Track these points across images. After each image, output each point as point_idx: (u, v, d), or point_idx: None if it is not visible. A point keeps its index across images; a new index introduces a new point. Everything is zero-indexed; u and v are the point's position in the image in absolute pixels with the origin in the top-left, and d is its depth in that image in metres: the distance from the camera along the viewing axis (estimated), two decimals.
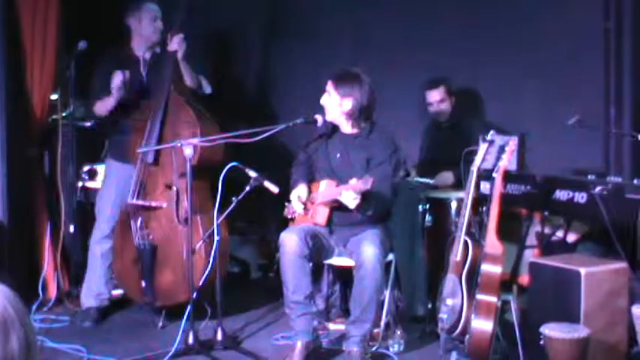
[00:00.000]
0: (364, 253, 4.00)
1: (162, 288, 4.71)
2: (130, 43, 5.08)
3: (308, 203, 4.31)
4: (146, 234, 4.74)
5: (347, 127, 4.30)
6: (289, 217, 4.45)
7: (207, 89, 5.09)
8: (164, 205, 4.74)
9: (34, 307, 4.87)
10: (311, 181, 4.39)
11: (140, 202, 4.79)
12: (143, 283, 4.71)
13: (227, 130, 4.41)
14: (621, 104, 4.86)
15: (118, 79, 4.80)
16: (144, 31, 5.03)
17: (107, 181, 5.06)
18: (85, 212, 5.27)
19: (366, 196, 3.96)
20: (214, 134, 4.55)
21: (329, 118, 4.29)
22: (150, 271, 4.71)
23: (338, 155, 4.31)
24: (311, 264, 4.22)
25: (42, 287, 5.04)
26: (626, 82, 4.84)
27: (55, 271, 5.11)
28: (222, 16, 6.11)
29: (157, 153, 4.75)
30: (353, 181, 3.92)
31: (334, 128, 4.34)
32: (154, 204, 4.77)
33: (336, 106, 4.23)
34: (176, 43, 4.81)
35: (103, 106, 4.93)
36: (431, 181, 5.08)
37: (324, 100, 4.26)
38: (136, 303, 4.96)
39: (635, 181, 3.94)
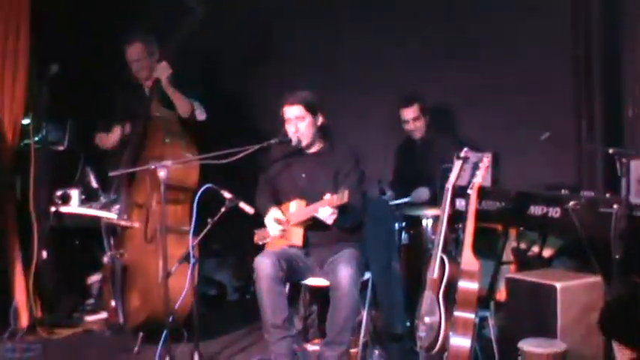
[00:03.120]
0: (340, 274, 3.99)
1: (130, 308, 4.72)
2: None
3: (285, 223, 4.29)
4: (118, 253, 4.72)
5: (316, 146, 4.31)
6: (260, 243, 4.43)
7: (201, 116, 5.13)
8: (136, 225, 4.74)
9: (5, 336, 4.80)
10: (277, 203, 4.38)
11: (113, 221, 4.80)
12: (113, 303, 4.69)
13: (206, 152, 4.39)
14: (592, 119, 4.91)
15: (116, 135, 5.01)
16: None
17: None
18: (58, 237, 5.21)
19: (342, 209, 3.96)
20: (183, 155, 4.63)
21: (307, 141, 4.28)
22: (120, 290, 4.71)
23: (304, 175, 4.32)
24: (287, 285, 4.19)
25: (14, 315, 4.96)
26: (597, 96, 4.90)
27: (27, 298, 5.03)
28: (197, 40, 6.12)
29: (133, 174, 4.77)
30: (327, 197, 3.92)
31: (297, 150, 4.34)
32: (122, 223, 4.78)
33: (312, 126, 4.24)
34: (159, 71, 4.85)
35: (99, 142, 5.13)
36: (406, 199, 5.09)
37: (301, 127, 4.23)
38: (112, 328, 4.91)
39: (608, 195, 3.97)
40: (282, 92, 4.30)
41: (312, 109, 4.24)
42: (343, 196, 3.83)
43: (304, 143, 4.27)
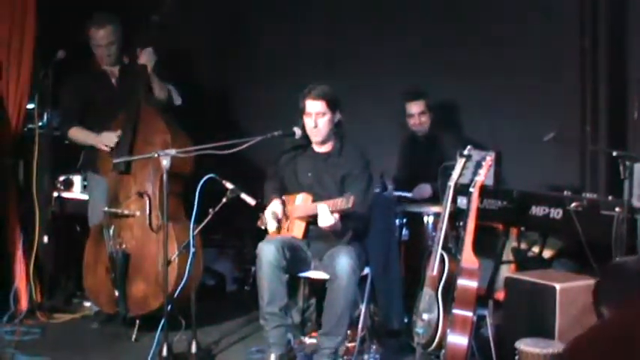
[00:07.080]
0: (338, 265, 3.98)
1: (134, 297, 4.68)
2: (96, 58, 5.10)
3: (283, 219, 4.29)
4: (119, 242, 4.71)
5: (327, 145, 4.29)
6: (263, 227, 4.43)
7: (178, 100, 5.12)
8: (137, 213, 4.73)
9: (4, 319, 4.81)
10: (285, 193, 4.37)
11: (113, 210, 4.78)
12: (117, 293, 4.68)
13: (201, 142, 4.37)
14: (597, 121, 4.91)
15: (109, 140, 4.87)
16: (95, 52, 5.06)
17: (92, 194, 5.09)
18: (59, 223, 5.22)
19: (345, 217, 3.96)
20: (185, 144, 4.61)
21: (322, 139, 4.24)
22: (122, 280, 4.68)
23: (309, 174, 4.30)
24: (287, 276, 4.20)
25: (13, 299, 4.97)
26: (602, 99, 4.89)
27: (27, 282, 5.04)
28: (196, 30, 6.11)
29: (129, 162, 4.75)
30: (330, 202, 3.92)
31: (306, 145, 4.32)
32: (126, 212, 4.76)
33: (330, 123, 4.22)
34: (145, 57, 4.82)
35: (80, 137, 5.02)
36: (409, 195, 5.09)
37: (320, 123, 4.18)
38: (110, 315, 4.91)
39: (610, 198, 3.97)
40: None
41: (333, 106, 4.19)
42: (348, 202, 3.83)
43: (318, 139, 4.24)
